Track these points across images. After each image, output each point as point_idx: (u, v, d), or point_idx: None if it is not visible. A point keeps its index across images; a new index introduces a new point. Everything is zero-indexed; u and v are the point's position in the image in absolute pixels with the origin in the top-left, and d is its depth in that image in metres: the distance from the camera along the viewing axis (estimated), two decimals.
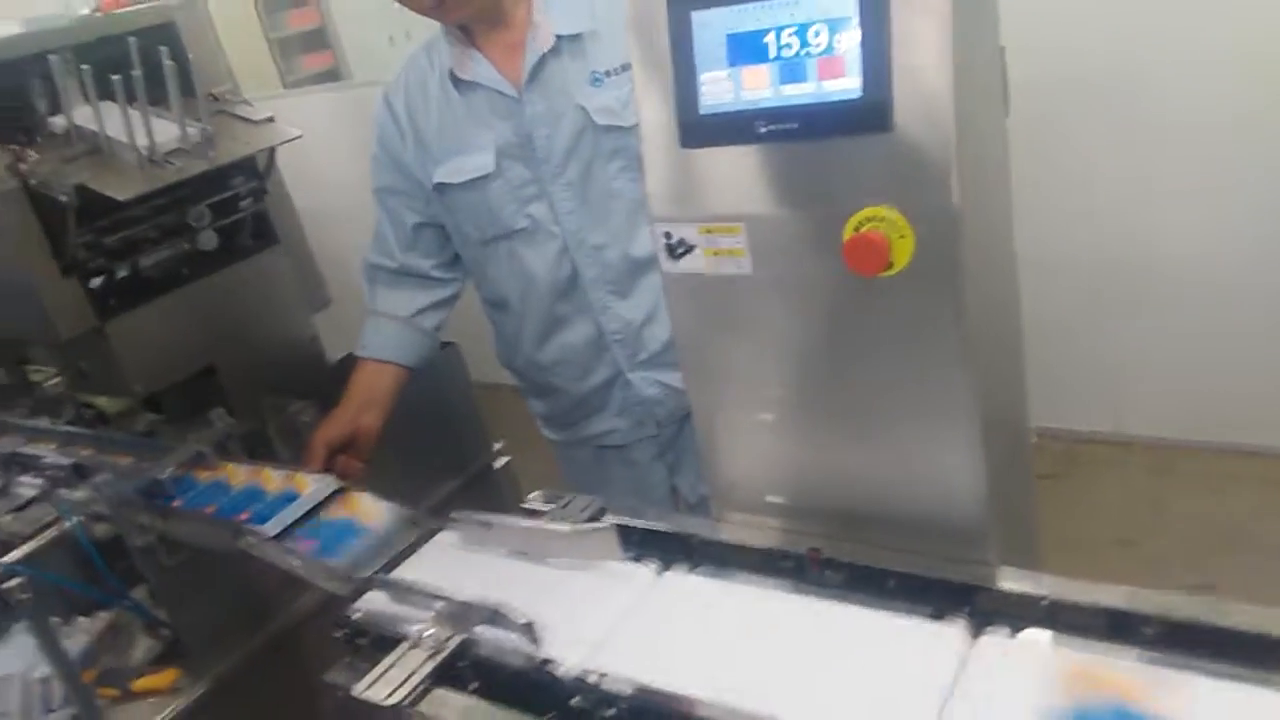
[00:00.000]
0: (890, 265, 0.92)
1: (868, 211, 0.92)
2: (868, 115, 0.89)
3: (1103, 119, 2.75)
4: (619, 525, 1.19)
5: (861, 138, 0.91)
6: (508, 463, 2.09)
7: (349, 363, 1.77)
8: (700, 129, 1.00)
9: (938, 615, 0.97)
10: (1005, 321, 1.08)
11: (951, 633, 0.94)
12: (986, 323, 0.99)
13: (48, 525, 1.53)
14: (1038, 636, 0.94)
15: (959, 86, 0.86)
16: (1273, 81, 2.50)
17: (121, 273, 1.71)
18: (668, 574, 1.15)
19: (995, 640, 0.93)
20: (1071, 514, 2.74)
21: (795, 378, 1.07)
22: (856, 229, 0.93)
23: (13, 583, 1.29)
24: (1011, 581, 0.98)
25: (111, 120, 1.57)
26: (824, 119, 0.92)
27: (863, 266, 0.92)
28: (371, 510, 1.38)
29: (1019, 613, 0.96)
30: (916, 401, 0.99)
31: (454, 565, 1.23)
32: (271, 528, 1.35)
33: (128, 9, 1.96)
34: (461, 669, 1.08)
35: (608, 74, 1.55)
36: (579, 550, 1.18)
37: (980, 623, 0.95)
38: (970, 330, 0.94)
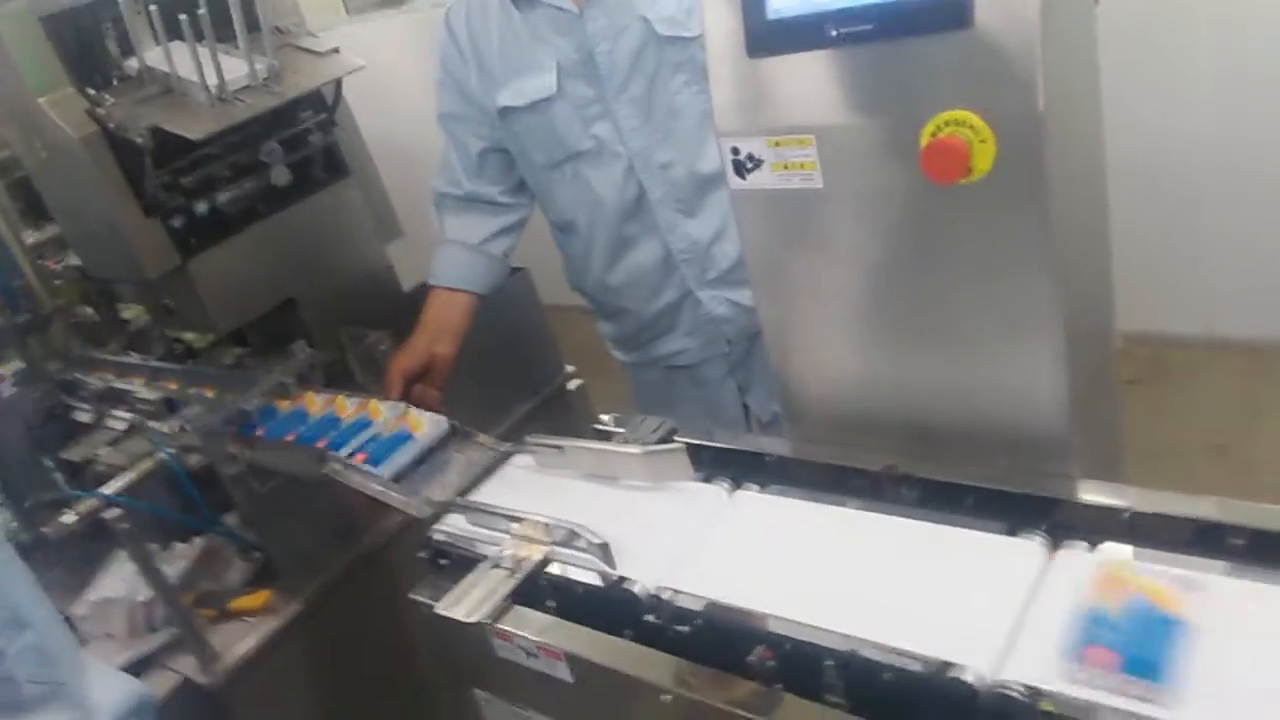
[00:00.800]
0: (970, 171, 0.88)
1: (946, 115, 0.88)
2: (945, 11, 0.84)
3: (1199, 12, 2.58)
4: (690, 445, 1.19)
5: (938, 36, 0.86)
6: (581, 385, 2.11)
7: (422, 291, 1.78)
8: (768, 35, 0.97)
9: (1013, 530, 0.95)
10: (1093, 227, 1.03)
11: (1029, 548, 0.92)
12: (1072, 229, 0.94)
13: (143, 457, 1.60)
14: (1117, 549, 0.92)
15: None
16: None
17: (200, 211, 1.74)
18: (739, 493, 1.15)
19: (1073, 554, 0.91)
20: (1161, 421, 2.63)
21: (869, 293, 1.04)
22: (934, 134, 0.89)
23: (113, 513, 1.36)
24: (1090, 494, 0.96)
25: (181, 60, 1.58)
26: (898, 17, 0.87)
27: (941, 174, 0.88)
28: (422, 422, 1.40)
29: (1098, 526, 0.94)
30: (997, 313, 0.96)
31: (529, 487, 1.25)
32: (387, 469, 1.36)
33: None
34: (540, 588, 1.11)
35: None
36: (651, 471, 1.19)
37: (1059, 537, 0.93)
38: (1055, 238, 0.90)
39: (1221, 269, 2.86)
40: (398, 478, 1.34)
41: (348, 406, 1.49)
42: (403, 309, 1.81)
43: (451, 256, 1.74)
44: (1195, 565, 0.87)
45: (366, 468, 1.35)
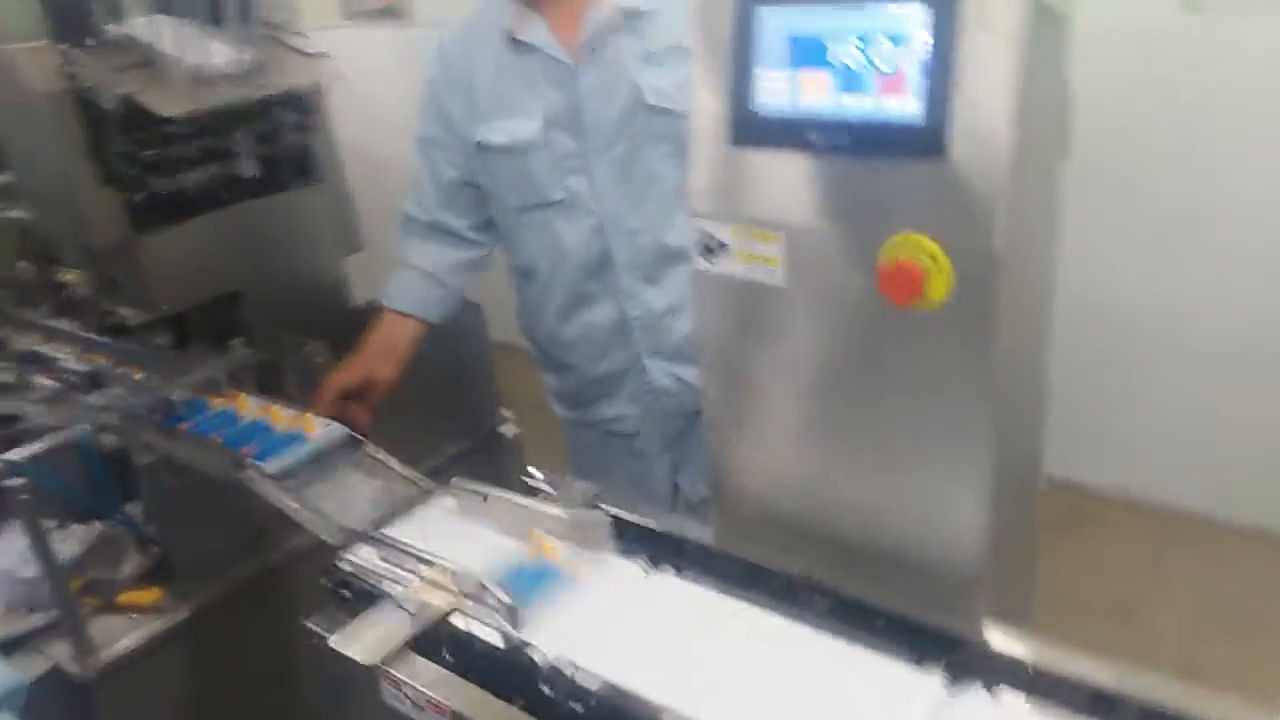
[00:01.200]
0: (924, 297, 0.89)
1: (908, 238, 0.89)
2: (923, 139, 0.86)
3: (1154, 178, 2.69)
4: (614, 516, 1.18)
5: (912, 163, 0.88)
6: (516, 433, 2.08)
7: (371, 309, 1.76)
8: (752, 128, 0.98)
9: (917, 661, 0.95)
10: (1033, 369, 1.05)
11: (928, 681, 0.92)
12: (1015, 368, 0.96)
13: (58, 428, 1.54)
14: (1014, 699, 0.92)
15: (1020, 124, 0.83)
16: None
17: (159, 189, 1.71)
18: (656, 574, 1.14)
19: (971, 696, 0.91)
20: (1070, 571, 2.67)
21: (813, 395, 1.05)
22: (894, 255, 0.90)
23: (14, 481, 1.31)
24: (997, 639, 0.96)
25: (166, 35, 1.56)
26: (876, 136, 0.89)
27: (896, 294, 0.90)
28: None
29: (999, 671, 0.94)
30: (931, 439, 0.97)
31: (446, 531, 1.23)
32: (273, 465, 1.36)
33: None
34: (439, 638, 1.08)
35: (665, 54, 1.51)
36: (571, 536, 1.17)
37: (958, 675, 0.93)
38: (996, 376, 0.91)
39: (1145, 430, 2.92)
40: (283, 475, 1.34)
41: (282, 416, 1.46)
42: (348, 324, 1.78)
43: (408, 281, 1.72)
44: None
45: (279, 480, 1.33)
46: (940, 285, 0.89)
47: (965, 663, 0.95)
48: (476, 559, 1.11)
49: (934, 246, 0.88)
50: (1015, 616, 0.99)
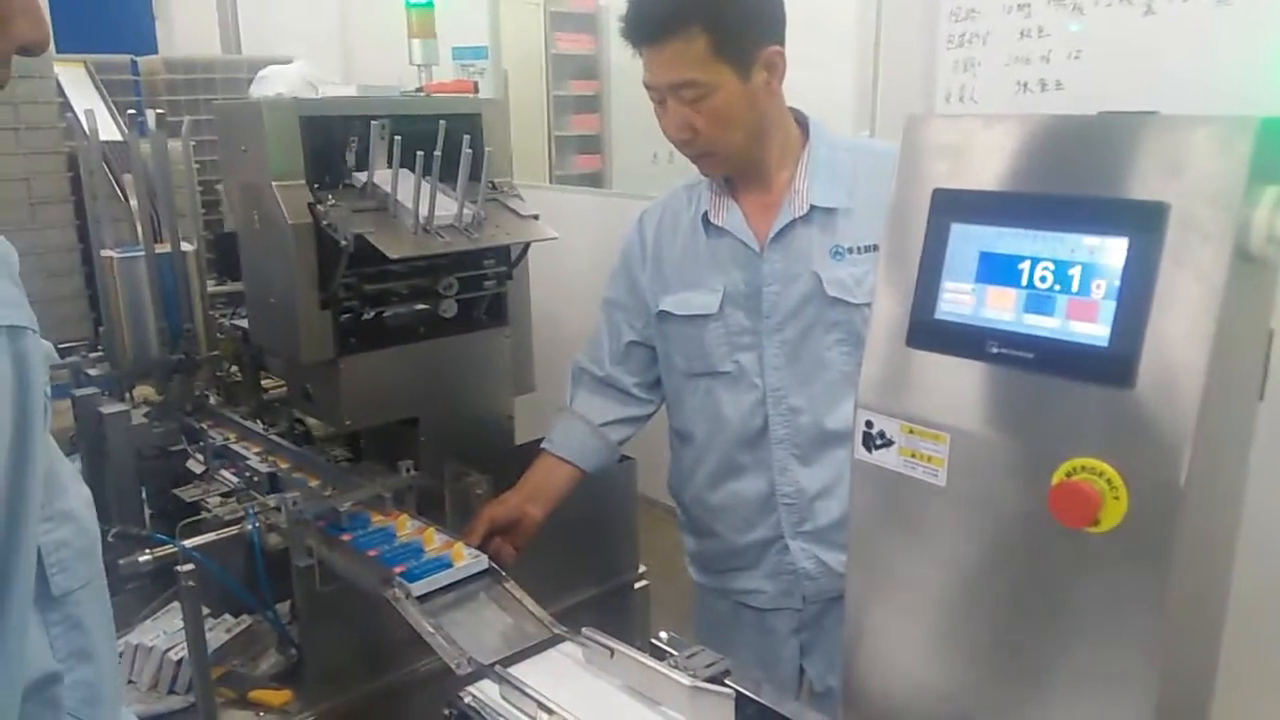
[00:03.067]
0: (1097, 523, 0.87)
1: (1084, 461, 0.88)
2: (1109, 367, 0.86)
3: None
4: (739, 693, 1.16)
5: (1096, 387, 0.88)
6: (646, 586, 2.09)
7: (533, 449, 1.84)
8: (930, 332, 1.00)
9: None
10: (1209, 612, 0.99)
11: None
12: (1188, 610, 0.91)
13: (233, 522, 1.66)
14: None
15: (1214, 362, 0.82)
16: None
17: (367, 317, 1.88)
18: None
19: None
20: None
21: (964, 604, 1.02)
22: (1068, 475, 0.89)
23: (186, 567, 1.41)
24: None
25: (404, 187, 1.76)
26: (1061, 359, 0.90)
27: (1067, 516, 0.88)
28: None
29: None
30: (1090, 670, 0.92)
31: (569, 680, 1.24)
32: (419, 588, 1.41)
33: (448, 94, 2.22)
34: None
35: (850, 251, 1.58)
36: (693, 708, 1.15)
37: None
38: (1169, 614, 0.87)
39: None
40: (425, 598, 1.40)
41: (435, 540, 1.53)
42: (510, 461, 1.86)
43: (571, 428, 1.80)
44: None
45: (421, 603, 1.38)
46: (1115, 513, 0.86)
47: None
48: (594, 713, 1.11)
49: (1113, 472, 0.86)
50: None
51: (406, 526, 1.59)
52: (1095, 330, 0.88)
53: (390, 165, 1.77)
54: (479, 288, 1.94)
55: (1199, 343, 0.83)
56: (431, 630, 1.34)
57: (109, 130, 2.91)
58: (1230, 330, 0.83)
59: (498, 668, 1.25)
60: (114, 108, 3.23)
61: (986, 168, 0.98)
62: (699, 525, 1.82)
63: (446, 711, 1.23)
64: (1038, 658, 0.96)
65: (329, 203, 1.76)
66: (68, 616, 0.74)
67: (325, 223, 1.73)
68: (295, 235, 1.75)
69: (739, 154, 1.60)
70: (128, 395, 2.16)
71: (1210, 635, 1.01)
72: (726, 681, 1.21)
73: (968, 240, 0.98)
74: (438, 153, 1.69)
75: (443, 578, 1.44)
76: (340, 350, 1.82)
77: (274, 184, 1.78)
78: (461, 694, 1.24)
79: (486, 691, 1.23)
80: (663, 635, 1.35)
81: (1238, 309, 0.84)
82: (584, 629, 1.30)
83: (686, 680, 1.17)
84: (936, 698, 1.06)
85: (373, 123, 1.78)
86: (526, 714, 1.17)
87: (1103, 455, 0.87)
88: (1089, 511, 0.87)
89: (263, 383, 2.38)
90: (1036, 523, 0.93)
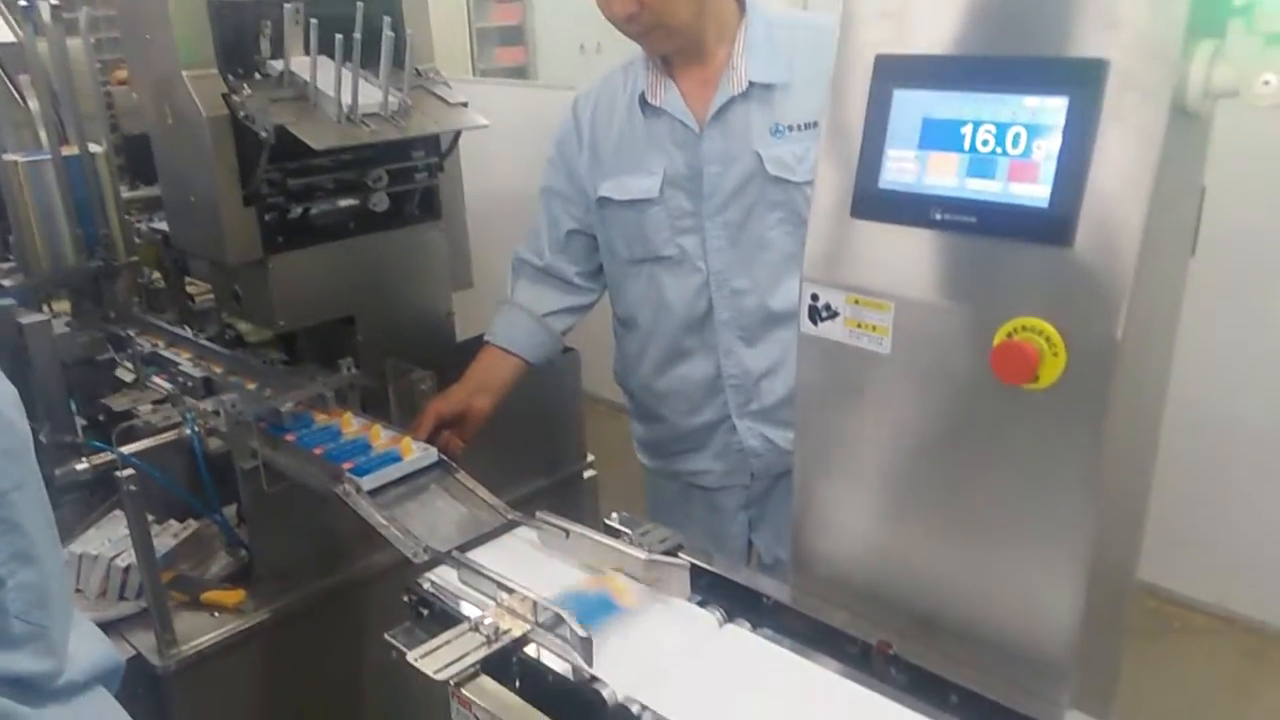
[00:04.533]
0: (1036, 380, 0.90)
1: (1025, 321, 0.90)
2: (1050, 227, 0.88)
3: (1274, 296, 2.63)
4: (694, 564, 1.19)
5: (1036, 247, 0.90)
6: (595, 476, 2.12)
7: (475, 344, 1.82)
8: (874, 202, 1.01)
9: None
10: (1140, 463, 1.04)
11: None
12: (1121, 461, 0.95)
13: (170, 427, 1.63)
14: None
15: (1151, 218, 0.84)
16: None
17: (294, 214, 1.82)
18: (730, 626, 1.14)
19: None
20: (1152, 679, 2.58)
21: (909, 466, 1.05)
22: (1009, 335, 0.91)
23: (126, 473, 1.38)
24: None
25: (324, 74, 1.67)
26: (1003, 221, 0.91)
27: (1008, 374, 0.91)
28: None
29: None
30: (1029, 523, 0.96)
31: (526, 562, 1.25)
32: (369, 482, 1.41)
33: None
34: (512, 664, 1.10)
35: (790, 128, 1.57)
36: (650, 580, 1.18)
37: None
38: (1104, 465, 0.91)
39: (1246, 545, 2.83)
40: (377, 491, 1.39)
41: (381, 436, 1.52)
42: (452, 356, 1.85)
43: (514, 320, 1.78)
44: None
45: (373, 497, 1.38)
46: (1054, 369, 0.89)
47: None
48: (555, 592, 1.13)
49: (1052, 330, 0.89)
50: (1095, 713, 0.97)
51: (351, 424, 1.57)
52: (1036, 191, 0.89)
53: (307, 52, 1.68)
54: (409, 180, 1.88)
55: (1137, 199, 0.85)
56: (385, 522, 1.34)
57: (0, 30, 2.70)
58: (1166, 186, 0.85)
59: (455, 554, 1.26)
60: (4, 4, 2.99)
61: (928, 32, 0.97)
62: (647, 411, 1.83)
63: (406, 598, 1.24)
64: (979, 512, 1.01)
65: (245, 93, 1.67)
66: (3, 519, 0.72)
67: (242, 114, 1.65)
68: (211, 129, 1.67)
69: (686, 25, 1.55)
70: (45, 306, 2.08)
71: (1141, 485, 1.07)
72: (680, 554, 1.24)
73: (910, 106, 0.98)
74: (357, 35, 1.61)
75: (393, 471, 1.43)
76: (268, 249, 1.77)
77: (184, 74, 1.68)
78: (420, 580, 1.25)
79: (445, 577, 1.25)
80: (615, 516, 1.38)
81: (1174, 165, 0.86)
82: (538, 512, 1.32)
83: (642, 554, 1.20)
84: (882, 556, 1.11)
85: (286, 5, 1.69)
86: (486, 595, 1.18)
87: (1043, 314, 0.90)
88: (1028, 369, 0.90)
89: (188, 289, 2.31)
90: (978, 383, 0.95)
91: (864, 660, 1.08)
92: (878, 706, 0.99)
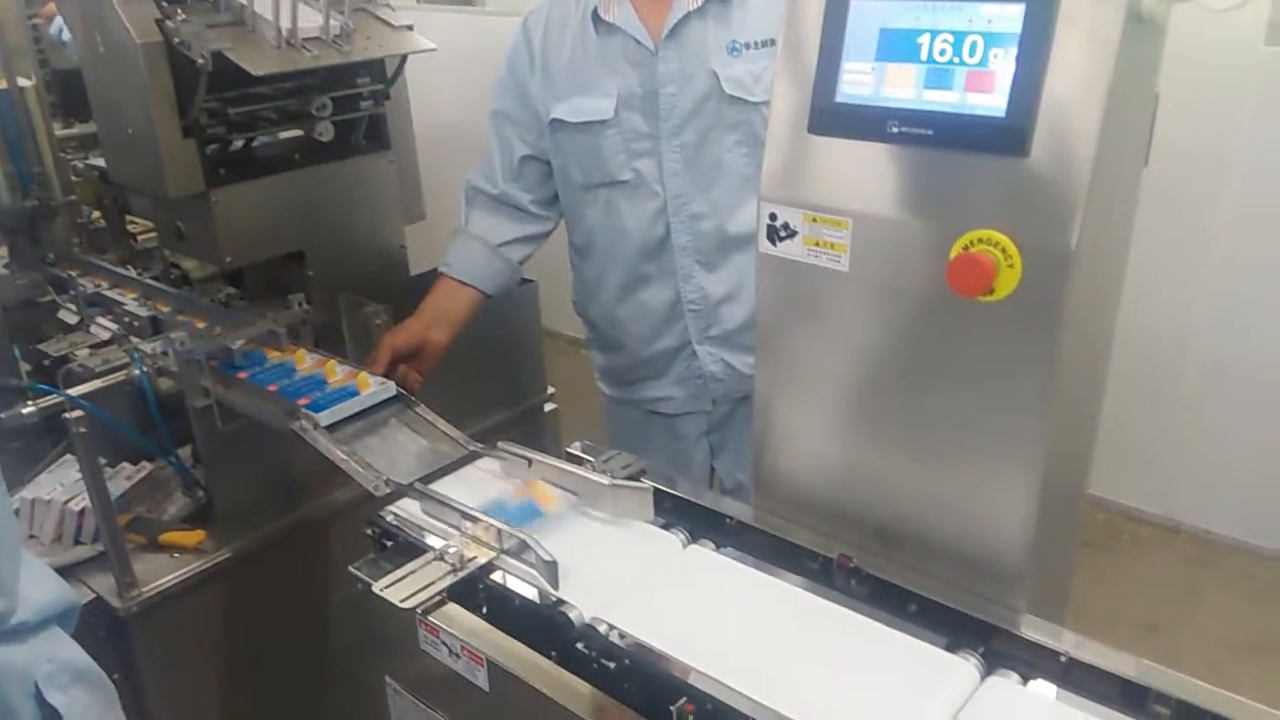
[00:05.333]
0: (992, 291, 0.90)
1: (981, 233, 0.90)
2: (1006, 137, 0.88)
3: (1232, 207, 2.67)
4: (656, 489, 1.20)
5: (992, 158, 0.89)
6: (555, 409, 2.11)
7: (430, 278, 1.79)
8: (832, 117, 1.00)
9: (951, 647, 0.96)
10: (1092, 376, 1.06)
11: (963, 667, 0.93)
12: (1075, 372, 0.97)
13: (117, 368, 1.59)
14: (1046, 690, 0.93)
15: (1105, 126, 0.84)
16: None
17: (237, 145, 1.76)
18: (694, 547, 1.15)
19: (1004, 683, 0.92)
20: (1102, 588, 2.69)
21: (868, 383, 1.06)
22: (965, 248, 0.91)
23: (74, 415, 1.35)
24: (1033, 630, 0.97)
25: None
26: (960, 132, 0.90)
27: (964, 286, 0.91)
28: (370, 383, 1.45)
29: (1033, 662, 0.95)
30: (985, 434, 0.98)
31: (489, 491, 1.25)
32: (326, 417, 1.39)
33: None
34: (478, 591, 1.11)
35: (746, 46, 1.54)
36: (613, 505, 1.19)
37: (993, 663, 0.94)
38: (1058, 376, 0.92)
39: (1192, 458, 2.92)
40: (334, 427, 1.37)
41: (337, 372, 1.50)
42: (406, 291, 1.82)
43: (468, 250, 1.75)
44: None
45: (331, 432, 1.36)
46: (1009, 280, 0.90)
47: (1000, 652, 0.96)
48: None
49: (1008, 242, 0.89)
50: (1049, 618, 1.00)
51: (305, 360, 1.55)
52: (992, 101, 0.89)
53: None
54: (355, 108, 1.82)
55: (1092, 107, 0.84)
56: (344, 457, 1.33)
57: None
58: (1121, 94, 0.85)
59: (417, 485, 1.25)
60: None
61: None
62: (607, 340, 1.82)
63: (369, 531, 1.24)
64: (936, 426, 1.02)
65: (180, 19, 1.59)
66: None
67: (178, 40, 1.58)
68: (146, 56, 1.59)
69: None
70: None
71: (1093, 397, 1.09)
72: (643, 479, 1.25)
73: (867, 17, 0.96)
74: None
75: (350, 406, 1.41)
76: (210, 182, 1.70)
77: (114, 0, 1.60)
78: (383, 513, 1.24)
79: (408, 509, 1.24)
80: (578, 444, 1.38)
81: (1128, 72, 0.85)
82: (499, 442, 1.31)
83: (605, 480, 1.20)
84: (842, 472, 1.12)
85: None
86: (450, 525, 1.18)
87: (998, 226, 0.90)
88: (984, 281, 0.90)
89: (130, 227, 2.23)
90: (935, 298, 0.96)
91: (825, 574, 1.10)
92: (840, 617, 1.01)
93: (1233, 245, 2.70)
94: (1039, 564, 1.01)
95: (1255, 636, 2.56)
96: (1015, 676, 0.93)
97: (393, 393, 1.46)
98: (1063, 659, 0.94)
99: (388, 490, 1.26)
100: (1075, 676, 0.94)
